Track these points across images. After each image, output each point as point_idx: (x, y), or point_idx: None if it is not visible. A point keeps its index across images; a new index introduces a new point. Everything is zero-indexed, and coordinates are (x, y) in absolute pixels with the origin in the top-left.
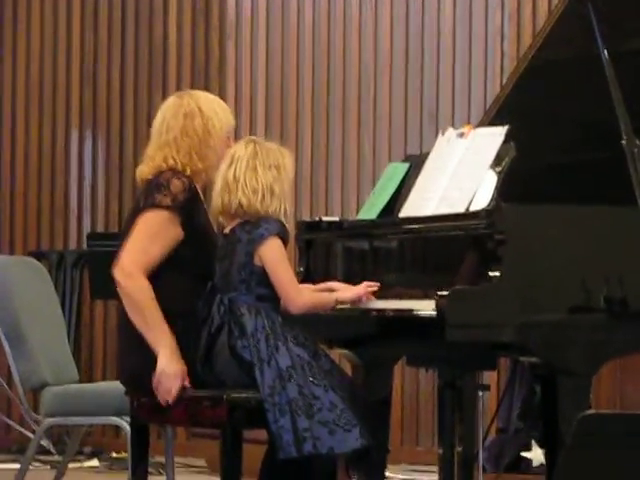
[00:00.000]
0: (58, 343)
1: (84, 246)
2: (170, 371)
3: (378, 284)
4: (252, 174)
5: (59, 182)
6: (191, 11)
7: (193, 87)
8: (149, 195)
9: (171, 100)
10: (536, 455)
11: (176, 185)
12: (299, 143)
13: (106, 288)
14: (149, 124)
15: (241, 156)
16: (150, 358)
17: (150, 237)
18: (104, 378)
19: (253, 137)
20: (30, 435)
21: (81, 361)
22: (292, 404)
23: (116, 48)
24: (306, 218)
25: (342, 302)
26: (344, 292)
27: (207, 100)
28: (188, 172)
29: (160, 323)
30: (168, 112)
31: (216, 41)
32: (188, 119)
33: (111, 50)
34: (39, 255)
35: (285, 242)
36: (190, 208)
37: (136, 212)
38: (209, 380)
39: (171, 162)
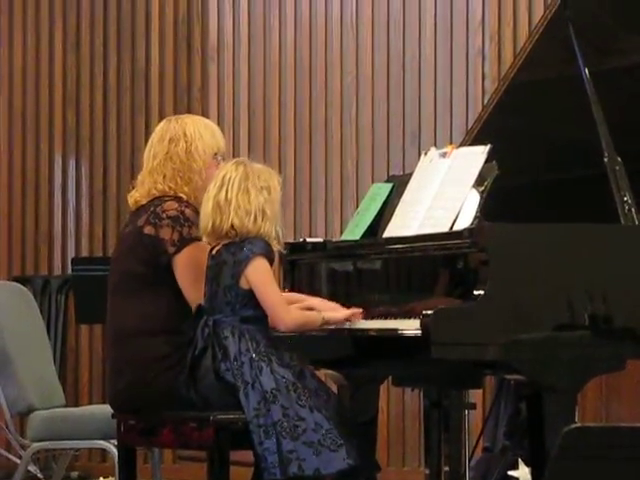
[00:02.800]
0: (44, 368)
1: (69, 271)
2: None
3: (362, 310)
4: (245, 196)
5: (43, 207)
6: (173, 34)
7: (176, 110)
8: (162, 226)
9: (159, 125)
10: (523, 474)
11: (190, 214)
12: (282, 164)
13: (91, 312)
14: (132, 148)
15: (232, 178)
16: (141, 377)
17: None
18: (90, 402)
19: (242, 158)
20: (17, 460)
21: (67, 385)
22: (277, 426)
23: (99, 72)
24: (290, 239)
25: (329, 322)
26: (331, 312)
27: (193, 124)
28: (184, 197)
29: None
30: (155, 137)
31: (198, 64)
32: (172, 144)
33: (93, 74)
34: (24, 280)
35: (271, 261)
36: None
37: (139, 237)
38: (195, 402)
39: (160, 187)
